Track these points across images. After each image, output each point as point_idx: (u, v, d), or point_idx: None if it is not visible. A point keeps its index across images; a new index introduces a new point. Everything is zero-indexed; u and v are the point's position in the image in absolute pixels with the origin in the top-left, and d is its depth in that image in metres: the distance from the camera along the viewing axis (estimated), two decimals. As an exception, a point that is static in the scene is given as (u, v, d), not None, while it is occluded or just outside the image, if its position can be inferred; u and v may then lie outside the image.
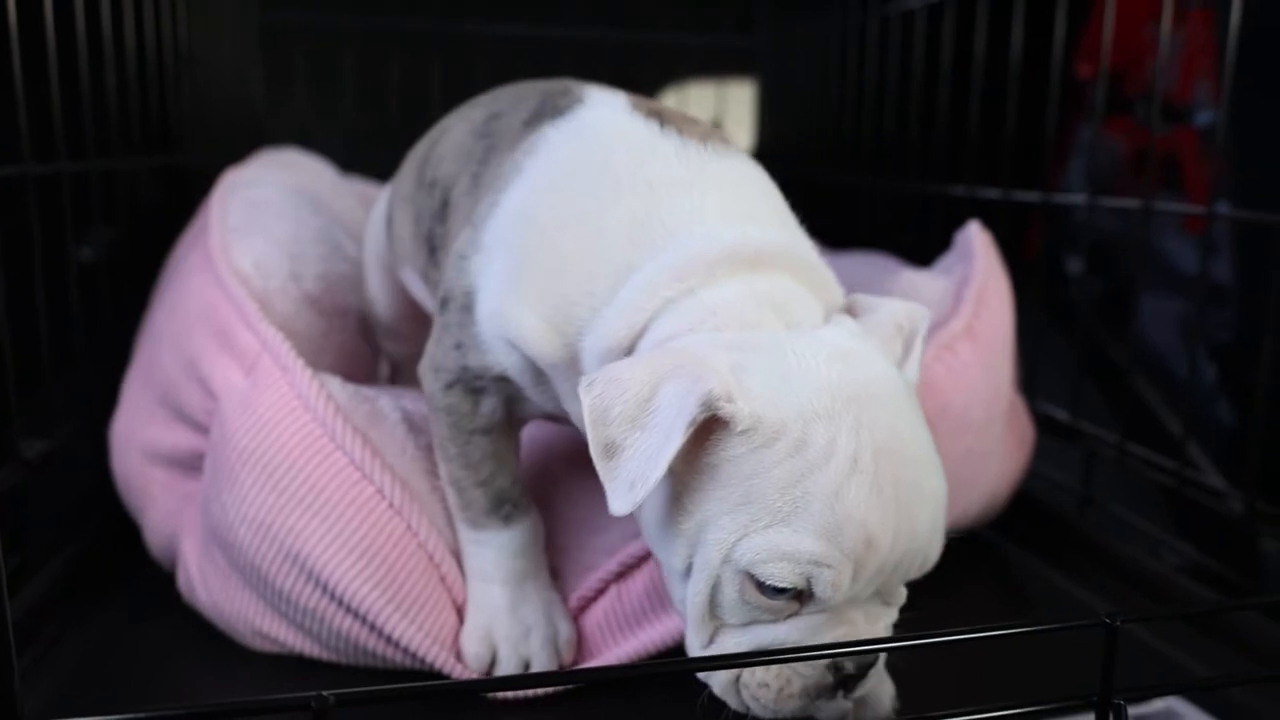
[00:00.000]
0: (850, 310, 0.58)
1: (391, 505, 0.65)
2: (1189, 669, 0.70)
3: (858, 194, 1.34)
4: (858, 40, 1.35)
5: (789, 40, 1.55)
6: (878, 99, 1.31)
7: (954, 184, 1.14)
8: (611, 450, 0.49)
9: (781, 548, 0.48)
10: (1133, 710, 0.63)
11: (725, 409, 0.47)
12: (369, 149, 1.40)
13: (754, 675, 0.51)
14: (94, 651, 0.69)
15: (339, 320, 0.86)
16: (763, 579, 0.49)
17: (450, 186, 0.69)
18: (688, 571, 0.51)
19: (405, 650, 0.64)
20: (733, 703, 0.52)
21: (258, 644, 0.69)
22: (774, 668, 0.51)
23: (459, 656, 0.65)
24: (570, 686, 0.64)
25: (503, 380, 0.61)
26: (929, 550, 0.51)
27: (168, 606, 0.73)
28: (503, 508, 0.64)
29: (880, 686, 0.60)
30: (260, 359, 0.69)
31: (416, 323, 0.85)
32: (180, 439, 0.75)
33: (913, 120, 1.23)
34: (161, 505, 0.76)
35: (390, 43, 1.43)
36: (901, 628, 0.53)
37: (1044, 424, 0.99)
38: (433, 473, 0.68)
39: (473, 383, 0.62)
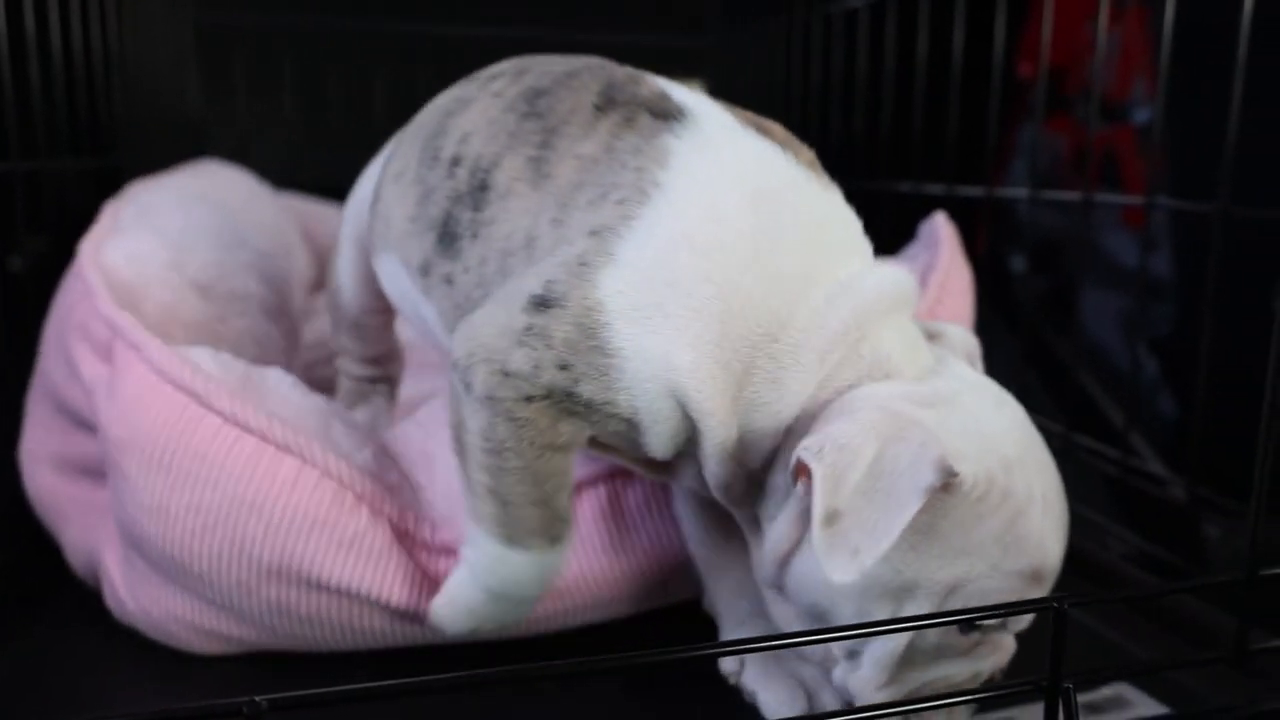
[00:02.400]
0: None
1: (278, 446, 0.63)
2: (1138, 656, 0.71)
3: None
4: (802, 39, 1.36)
5: (737, 40, 1.55)
6: (823, 97, 1.31)
7: (899, 180, 1.15)
8: (834, 518, 0.47)
9: (998, 593, 0.50)
10: (1083, 698, 0.64)
11: (959, 472, 0.48)
12: (311, 153, 1.38)
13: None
14: (24, 667, 0.67)
15: (237, 304, 0.84)
16: (975, 621, 0.50)
17: (489, 169, 0.61)
18: None
19: (339, 590, 0.63)
20: None
21: (195, 644, 0.66)
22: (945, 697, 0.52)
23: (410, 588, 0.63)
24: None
25: (623, 419, 0.54)
26: None
27: (100, 620, 0.70)
28: (555, 525, 0.57)
29: None
30: (114, 344, 0.67)
31: (384, 316, 0.81)
32: (86, 446, 0.72)
33: (859, 118, 1.24)
34: (77, 522, 0.73)
35: (332, 44, 1.41)
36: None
37: (992, 417, 1.00)
38: (325, 411, 0.67)
39: (571, 406, 0.53)
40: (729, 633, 0.64)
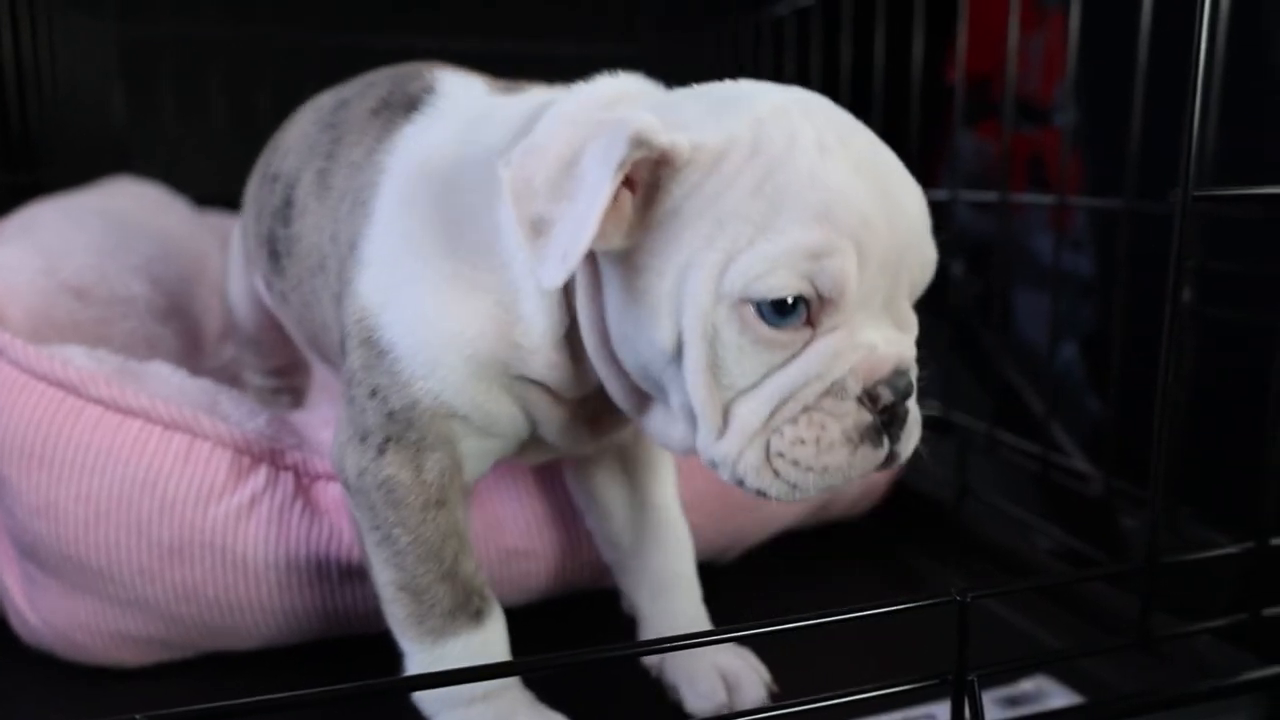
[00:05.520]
0: None
1: (165, 425, 0.63)
2: (1056, 648, 0.72)
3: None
4: (731, 47, 1.37)
5: (671, 48, 1.56)
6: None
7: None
8: (540, 227, 0.45)
9: (774, 252, 0.43)
10: (1002, 691, 0.64)
11: (661, 140, 0.43)
12: (240, 167, 1.36)
13: (783, 437, 0.45)
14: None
15: (120, 307, 0.84)
16: (764, 297, 0.43)
17: (293, 184, 0.64)
18: (679, 350, 0.45)
19: (245, 560, 0.62)
20: (771, 487, 0.46)
21: (102, 652, 0.65)
22: (803, 417, 0.44)
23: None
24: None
25: (442, 418, 0.52)
26: (926, 244, 0.48)
27: (7, 647, 0.68)
28: (472, 600, 0.54)
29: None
30: None
31: (278, 332, 0.81)
32: None
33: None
34: None
35: (260, 55, 1.39)
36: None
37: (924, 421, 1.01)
38: (211, 389, 0.67)
39: (406, 435, 0.52)
40: (648, 633, 0.64)
